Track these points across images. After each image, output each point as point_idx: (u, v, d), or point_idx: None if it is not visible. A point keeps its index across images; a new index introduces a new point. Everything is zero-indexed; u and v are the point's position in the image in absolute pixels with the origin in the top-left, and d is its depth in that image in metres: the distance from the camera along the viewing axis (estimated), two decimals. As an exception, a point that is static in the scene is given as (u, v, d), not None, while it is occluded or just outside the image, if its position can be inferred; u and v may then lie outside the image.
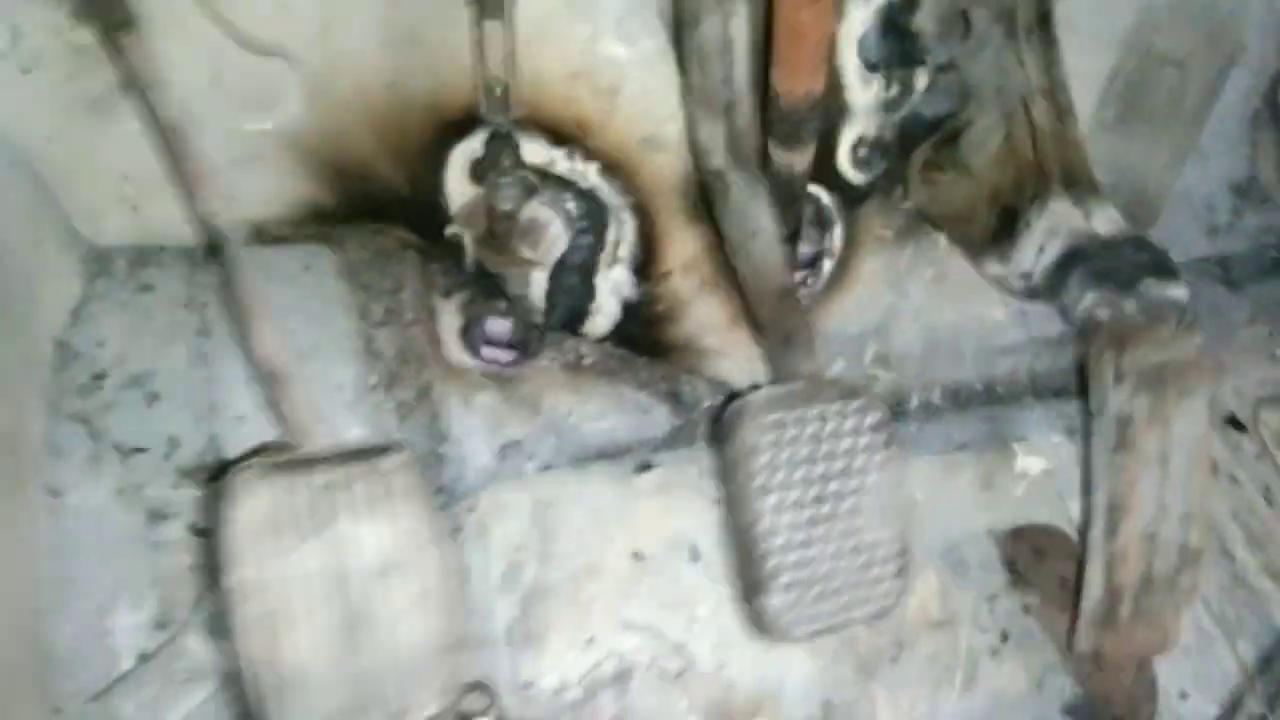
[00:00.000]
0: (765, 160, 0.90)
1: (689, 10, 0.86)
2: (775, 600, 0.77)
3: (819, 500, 0.77)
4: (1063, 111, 1.02)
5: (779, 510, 0.77)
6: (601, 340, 1.25)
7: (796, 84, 0.81)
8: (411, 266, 1.26)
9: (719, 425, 0.86)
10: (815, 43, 0.77)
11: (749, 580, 0.80)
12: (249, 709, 0.63)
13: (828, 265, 1.20)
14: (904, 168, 1.17)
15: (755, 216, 0.86)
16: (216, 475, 1.10)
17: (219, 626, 0.91)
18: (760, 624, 0.80)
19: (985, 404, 1.35)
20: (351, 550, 0.61)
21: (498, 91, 1.01)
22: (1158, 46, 1.27)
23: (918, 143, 1.14)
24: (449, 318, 1.26)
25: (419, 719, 0.61)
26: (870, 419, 0.80)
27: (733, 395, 1.23)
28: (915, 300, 1.27)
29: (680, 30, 0.91)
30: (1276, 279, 1.58)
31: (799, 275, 1.20)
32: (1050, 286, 0.93)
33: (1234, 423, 1.44)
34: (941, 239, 1.24)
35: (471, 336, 1.22)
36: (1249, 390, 1.47)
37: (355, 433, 1.11)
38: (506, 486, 1.13)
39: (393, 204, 1.21)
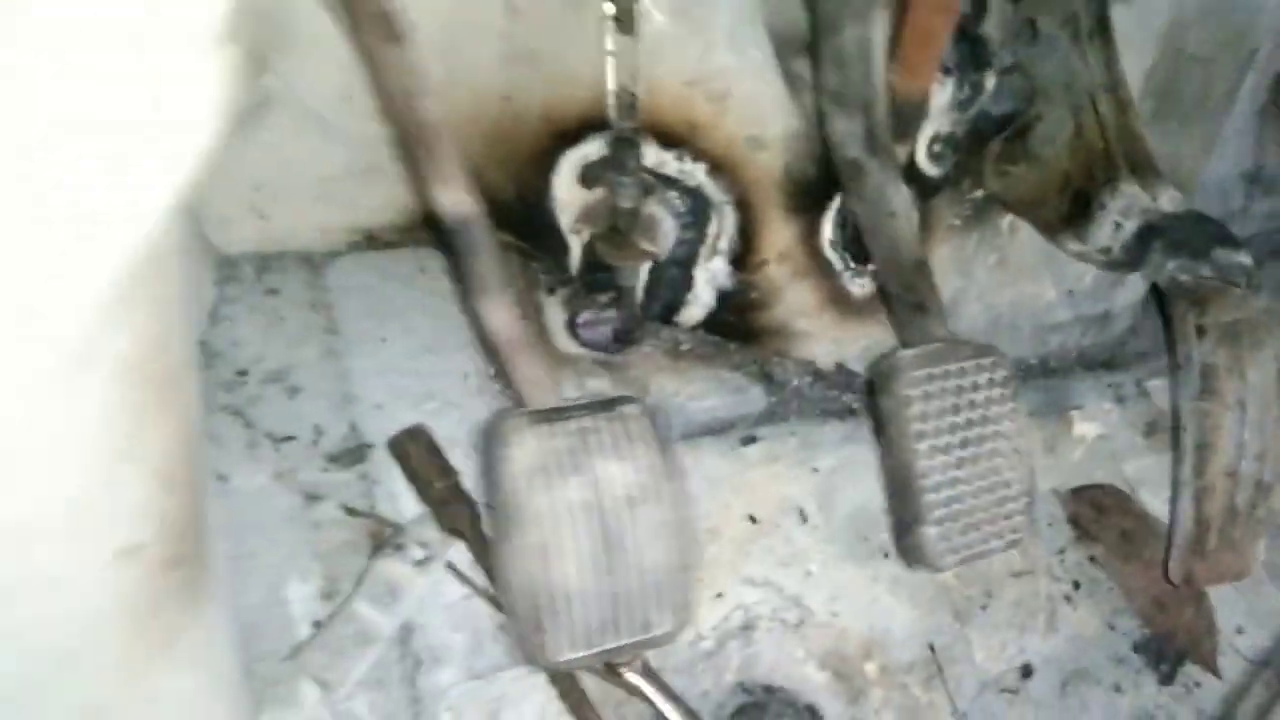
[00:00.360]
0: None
1: (827, 18, 0.98)
2: (931, 531, 0.88)
3: (963, 444, 0.88)
4: (1124, 104, 1.15)
5: (931, 454, 0.88)
6: (695, 328, 1.36)
7: (918, 83, 0.93)
8: (516, 266, 1.37)
9: (871, 382, 0.97)
10: (939, 45, 0.89)
11: (905, 516, 0.91)
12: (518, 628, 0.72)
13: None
14: (973, 161, 1.29)
15: (892, 198, 0.97)
16: (359, 458, 1.20)
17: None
18: (916, 556, 0.91)
19: (1041, 376, 1.48)
20: (605, 485, 0.71)
21: (626, 101, 1.12)
22: (1187, 47, 1.40)
23: (985, 138, 1.27)
24: (554, 311, 1.36)
25: (658, 633, 0.70)
26: (999, 373, 0.92)
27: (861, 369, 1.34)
28: (980, 282, 1.40)
29: (816, 37, 1.02)
30: (1283, 262, 1.73)
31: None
32: (1131, 259, 1.06)
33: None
34: (1004, 225, 1.36)
35: (577, 327, 1.33)
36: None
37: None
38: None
39: (498, 208, 1.31)
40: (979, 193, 1.32)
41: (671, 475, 0.75)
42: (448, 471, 1.13)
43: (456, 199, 0.79)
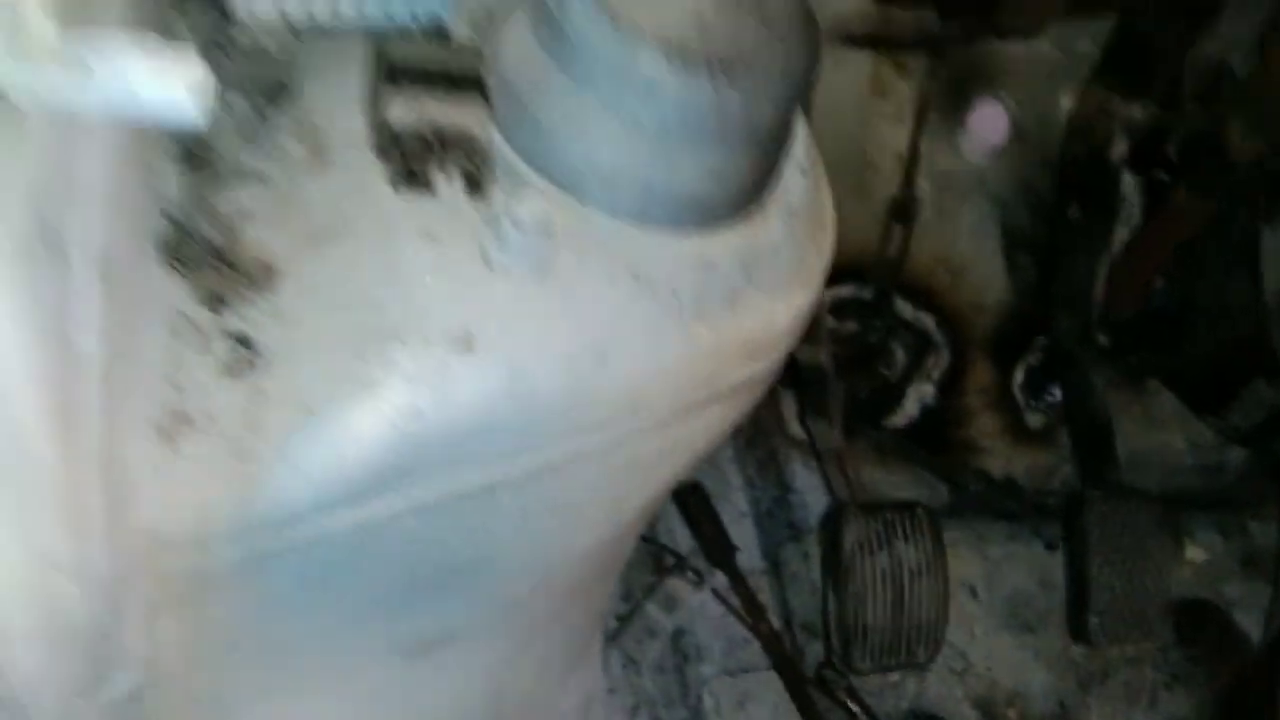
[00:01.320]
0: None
1: (1067, 243, 1.38)
2: (1094, 620, 1.27)
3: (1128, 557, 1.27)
4: (1263, 320, 1.52)
5: (1101, 566, 1.26)
6: (898, 431, 1.76)
7: (1129, 306, 1.32)
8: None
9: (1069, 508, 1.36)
10: (1149, 283, 1.28)
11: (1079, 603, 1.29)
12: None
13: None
14: (1134, 344, 1.67)
15: (1093, 379, 1.37)
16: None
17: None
18: (1082, 634, 1.30)
19: (1162, 504, 1.84)
20: (900, 559, 1.11)
21: (892, 268, 1.53)
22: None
23: (1146, 326, 1.64)
24: (789, 402, 1.77)
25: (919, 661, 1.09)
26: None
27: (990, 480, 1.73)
28: (1124, 429, 1.77)
29: (1054, 253, 1.42)
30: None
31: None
32: (1256, 439, 1.43)
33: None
34: (1150, 385, 1.74)
35: (806, 419, 1.74)
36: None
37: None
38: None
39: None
40: (1133, 359, 1.70)
41: (941, 558, 1.15)
42: (716, 519, 1.54)
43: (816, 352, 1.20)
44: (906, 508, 1.17)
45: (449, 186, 0.68)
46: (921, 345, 1.64)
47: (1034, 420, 1.70)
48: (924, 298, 1.60)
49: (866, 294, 1.60)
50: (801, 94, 0.73)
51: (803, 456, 1.71)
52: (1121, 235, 1.50)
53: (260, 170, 0.72)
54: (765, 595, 1.55)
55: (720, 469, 1.66)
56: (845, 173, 1.59)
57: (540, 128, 0.70)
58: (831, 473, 1.28)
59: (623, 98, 0.67)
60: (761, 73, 0.68)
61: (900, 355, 1.63)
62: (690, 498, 1.55)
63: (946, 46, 1.22)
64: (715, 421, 0.81)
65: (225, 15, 0.72)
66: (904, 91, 1.46)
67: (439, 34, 0.73)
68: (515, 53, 0.71)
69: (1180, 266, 1.58)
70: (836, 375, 1.68)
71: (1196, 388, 1.55)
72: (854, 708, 1.44)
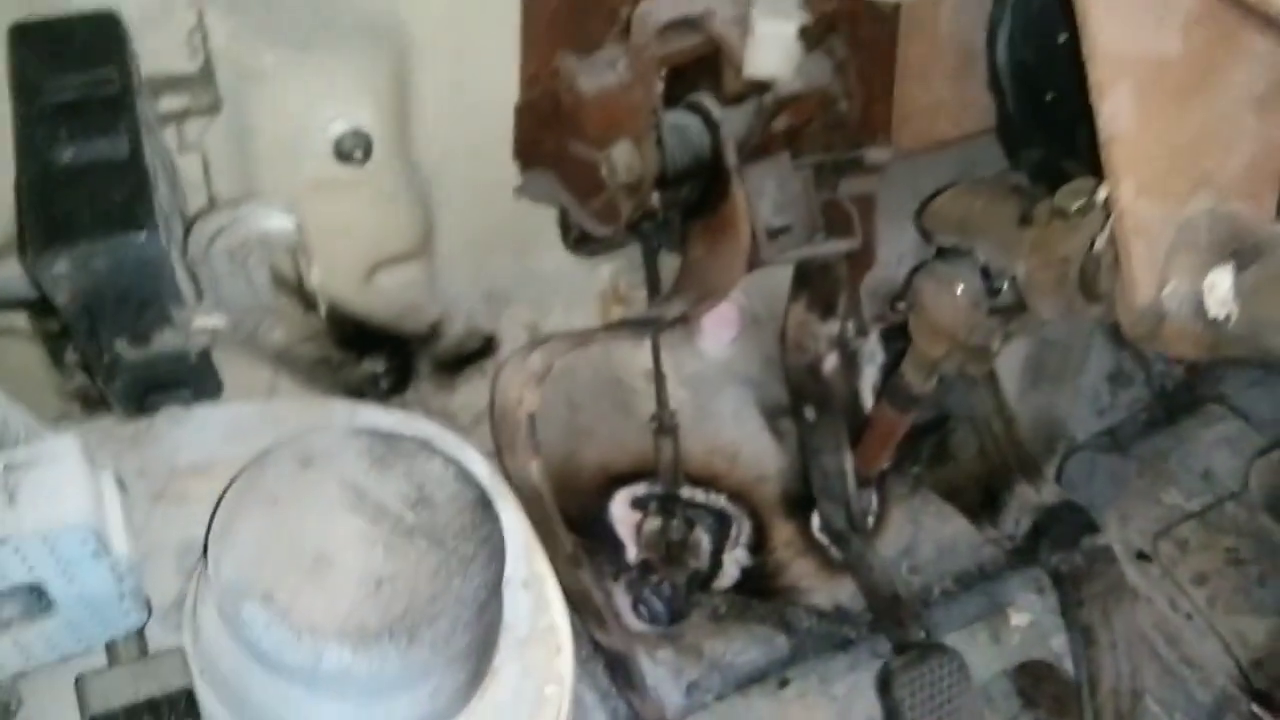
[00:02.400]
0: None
1: (812, 449, 1.48)
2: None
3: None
4: (1010, 423, 1.66)
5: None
6: (726, 592, 1.84)
7: (873, 469, 1.43)
8: (587, 564, 1.84)
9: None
10: (888, 450, 1.39)
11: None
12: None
13: (871, 521, 1.82)
14: (909, 454, 1.80)
15: (860, 547, 1.47)
16: None
17: None
18: None
19: (980, 581, 1.98)
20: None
21: (669, 474, 1.61)
22: (1047, 336, 1.94)
23: (918, 440, 1.77)
24: (620, 596, 1.84)
25: None
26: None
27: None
28: (925, 525, 1.90)
29: (806, 455, 1.53)
30: (1147, 439, 2.26)
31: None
32: (1027, 549, 1.57)
33: (1142, 555, 2.10)
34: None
35: (639, 608, 1.81)
36: (1148, 528, 2.13)
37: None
38: (697, 717, 1.71)
39: (568, 521, 1.79)
40: (916, 470, 1.83)
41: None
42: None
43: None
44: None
45: (181, 809, 0.71)
46: (722, 521, 1.73)
47: (838, 554, 1.81)
48: (710, 483, 1.69)
49: (658, 489, 1.68)
50: (495, 596, 0.78)
51: (650, 650, 1.78)
52: (868, 376, 1.62)
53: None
54: (643, 811, 1.61)
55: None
56: (607, 397, 1.67)
57: (256, 709, 0.74)
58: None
59: (319, 684, 0.71)
60: (445, 615, 0.73)
61: (704, 539, 1.72)
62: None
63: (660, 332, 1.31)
64: None
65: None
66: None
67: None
68: (214, 645, 0.75)
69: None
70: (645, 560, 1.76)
71: (968, 497, 1.68)
72: None
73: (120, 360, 0.87)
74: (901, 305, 1.19)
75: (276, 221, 0.78)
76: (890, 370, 1.26)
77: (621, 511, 1.75)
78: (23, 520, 0.67)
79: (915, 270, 1.07)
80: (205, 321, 0.85)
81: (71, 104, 0.84)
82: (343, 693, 0.72)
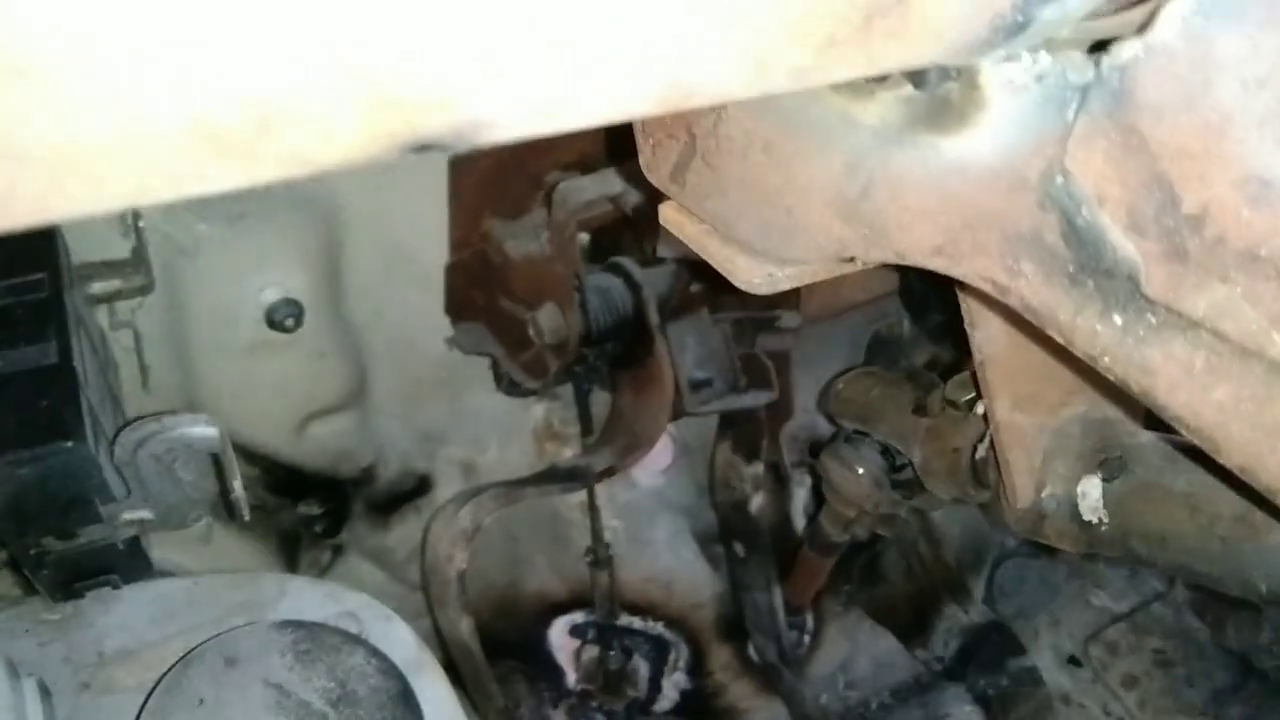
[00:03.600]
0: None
1: (744, 584, 1.52)
2: None
3: None
4: (937, 545, 1.71)
5: None
6: (666, 714, 1.85)
7: (802, 602, 1.46)
8: (524, 686, 1.84)
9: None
10: (816, 585, 1.43)
11: None
12: None
13: (807, 639, 1.85)
14: (846, 573, 1.83)
15: (794, 685, 1.50)
16: None
17: None
18: None
19: (916, 693, 2.01)
20: None
21: (606, 605, 1.63)
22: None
23: (850, 560, 1.81)
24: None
25: None
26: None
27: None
28: (860, 641, 1.93)
29: (738, 591, 1.56)
30: (1077, 542, 2.32)
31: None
32: (957, 670, 1.60)
33: (1073, 660, 2.14)
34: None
35: (579, 732, 1.81)
36: (1078, 632, 2.18)
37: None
38: (641, 843, 1.71)
39: (508, 647, 1.80)
40: (848, 588, 1.86)
41: None
42: None
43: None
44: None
45: None
46: (660, 647, 1.75)
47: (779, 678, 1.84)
48: (647, 610, 1.71)
49: (596, 619, 1.70)
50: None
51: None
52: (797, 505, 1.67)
53: None
54: None
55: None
56: (543, 529, 1.69)
57: None
58: None
59: None
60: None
61: (643, 667, 1.73)
62: None
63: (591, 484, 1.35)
64: None
65: None
66: (570, 454, 1.58)
67: None
68: None
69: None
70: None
71: (899, 618, 1.72)
72: None
73: (46, 555, 0.88)
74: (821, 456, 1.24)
75: (200, 431, 0.81)
76: (819, 503, 1.30)
77: (560, 639, 1.76)
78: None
79: (820, 450, 1.12)
80: (133, 515, 0.87)
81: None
82: None
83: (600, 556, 1.57)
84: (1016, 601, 1.98)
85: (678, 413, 1.25)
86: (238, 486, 0.85)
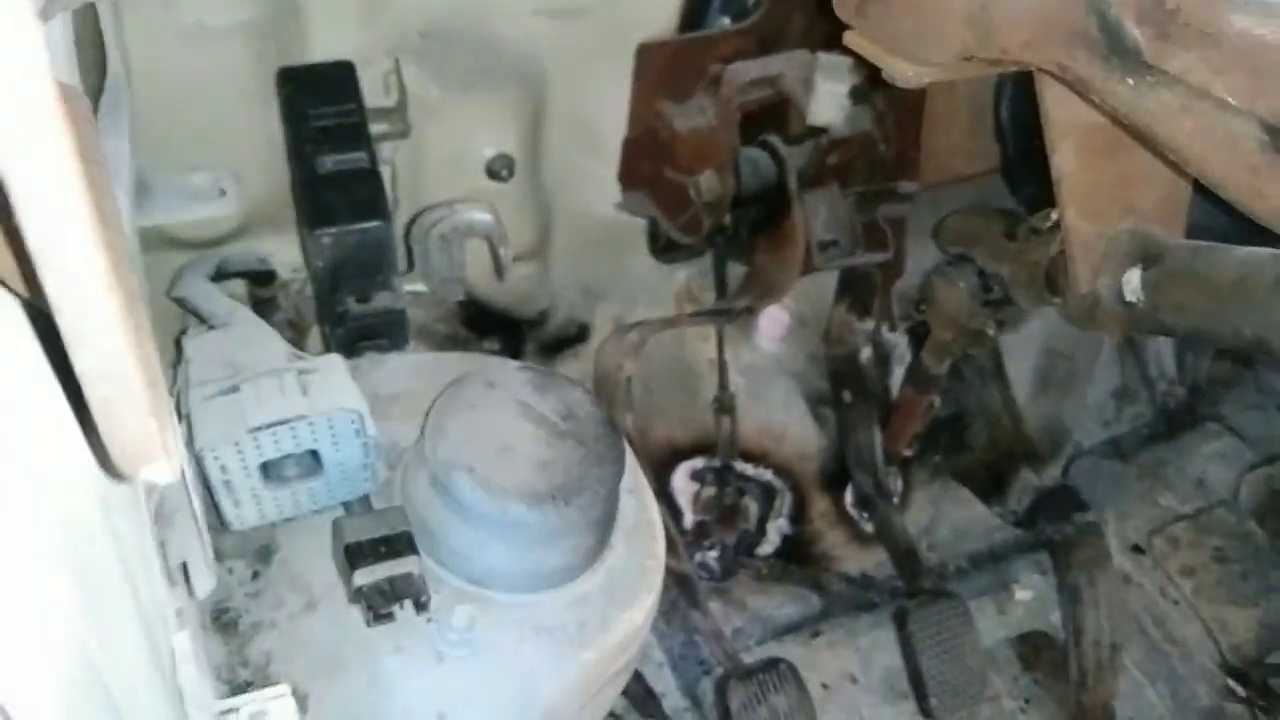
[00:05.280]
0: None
1: (847, 425, 1.80)
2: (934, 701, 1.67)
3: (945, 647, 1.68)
4: (1017, 419, 1.96)
5: (929, 657, 1.67)
6: (768, 557, 2.15)
7: (900, 447, 1.74)
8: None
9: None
10: (913, 430, 1.70)
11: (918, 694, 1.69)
12: None
13: (895, 500, 2.12)
14: (930, 445, 2.10)
15: (891, 515, 1.78)
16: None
17: None
18: (929, 714, 1.69)
19: (990, 561, 2.27)
20: (776, 708, 1.49)
21: (726, 448, 1.92)
22: (1056, 348, 2.23)
23: (938, 433, 2.08)
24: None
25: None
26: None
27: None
28: (944, 510, 2.20)
29: (842, 432, 1.84)
30: (1148, 449, 2.53)
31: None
32: (1028, 520, 1.86)
33: (1136, 548, 2.38)
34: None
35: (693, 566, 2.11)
36: (1143, 526, 2.41)
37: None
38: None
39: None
40: (936, 459, 2.13)
41: (805, 700, 1.53)
42: (638, 676, 1.90)
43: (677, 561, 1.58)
44: (772, 665, 1.55)
45: (404, 613, 1.03)
46: (768, 492, 2.04)
47: (870, 528, 2.11)
48: (760, 458, 2.00)
49: (715, 463, 2.00)
50: (618, 484, 1.10)
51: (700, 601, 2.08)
52: (896, 374, 1.93)
53: (270, 619, 1.07)
54: (692, 730, 1.91)
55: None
56: (676, 381, 1.99)
57: (452, 550, 1.07)
58: (712, 650, 1.66)
59: (501, 531, 1.04)
60: (589, 489, 1.05)
61: (752, 506, 2.03)
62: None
63: (730, 320, 1.64)
64: (610, 694, 1.18)
65: (221, 523, 1.06)
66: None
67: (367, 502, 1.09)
68: (423, 504, 1.07)
69: (951, 381, 2.02)
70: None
71: (979, 480, 1.98)
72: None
73: (348, 313, 1.20)
74: (924, 306, 1.50)
75: (480, 215, 1.11)
76: (919, 347, 1.56)
77: (682, 483, 2.07)
78: (314, 404, 1.00)
79: (930, 272, 1.39)
80: (413, 287, 1.18)
81: (327, 128, 1.18)
82: (517, 539, 1.04)
83: (725, 403, 1.85)
84: (1087, 495, 2.22)
85: (806, 269, 1.52)
86: (504, 254, 1.15)
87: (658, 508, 1.24)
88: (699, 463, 2.03)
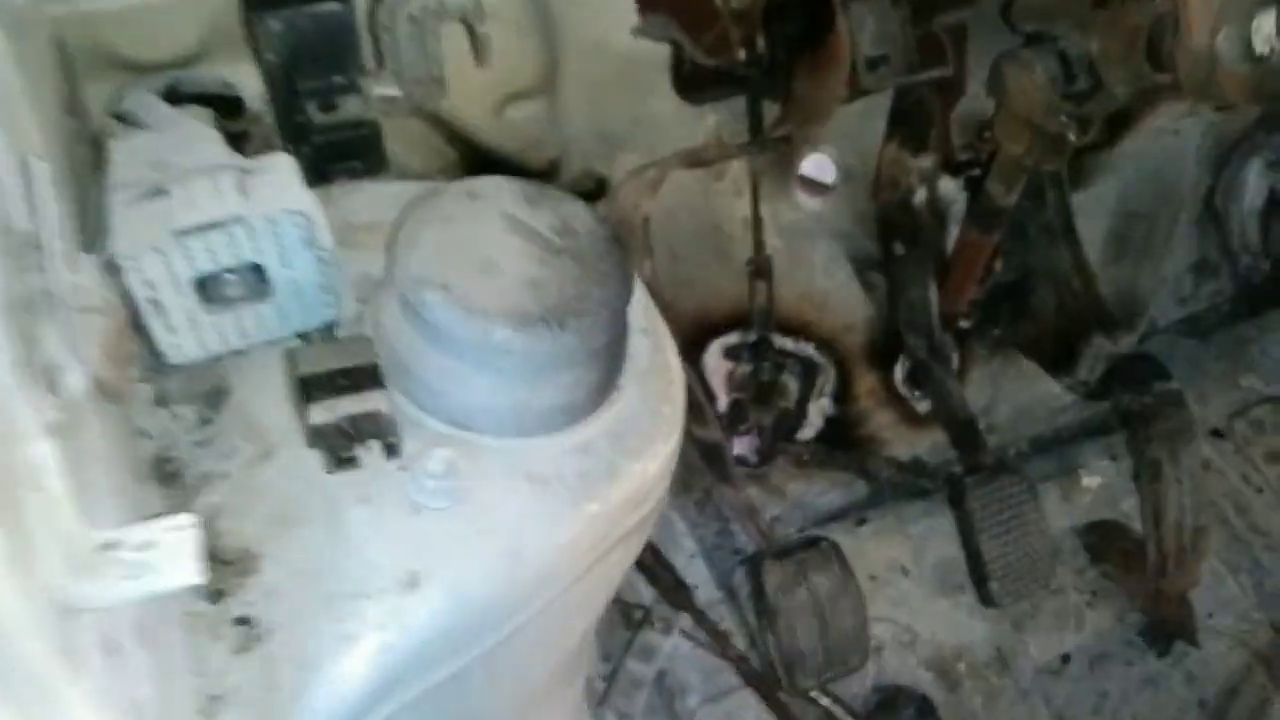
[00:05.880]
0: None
1: (899, 282, 1.60)
2: (995, 585, 1.49)
3: (1009, 529, 1.50)
4: (1089, 280, 1.75)
5: (990, 540, 1.49)
6: (809, 441, 1.97)
7: (959, 305, 1.54)
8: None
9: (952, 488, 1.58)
10: (971, 285, 1.50)
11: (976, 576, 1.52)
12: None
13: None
14: (991, 315, 1.89)
15: (947, 382, 1.58)
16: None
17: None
18: (988, 600, 1.52)
19: (1054, 445, 2.08)
20: (817, 588, 1.33)
21: (762, 317, 1.73)
22: (1132, 209, 2.01)
23: (999, 299, 1.87)
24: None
25: (854, 667, 1.32)
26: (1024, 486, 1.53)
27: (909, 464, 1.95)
28: (1004, 389, 2.00)
29: (893, 289, 1.64)
30: (1228, 328, 2.31)
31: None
32: (1101, 391, 1.66)
33: (1216, 433, 2.17)
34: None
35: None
36: (1224, 409, 2.20)
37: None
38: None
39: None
40: (996, 332, 1.92)
41: (850, 578, 1.36)
42: (669, 567, 1.75)
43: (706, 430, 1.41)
44: (813, 543, 1.38)
45: (371, 457, 0.87)
46: (809, 369, 1.85)
47: (923, 407, 1.92)
48: (800, 330, 1.81)
49: (750, 337, 1.81)
50: (624, 310, 0.93)
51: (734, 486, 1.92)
52: (951, 235, 1.72)
53: (220, 470, 0.91)
54: (727, 621, 1.76)
55: (665, 518, 1.87)
56: (706, 245, 1.80)
57: (427, 386, 0.90)
58: (745, 527, 1.49)
59: (484, 360, 0.86)
60: (588, 313, 0.88)
61: (792, 384, 1.84)
62: (644, 554, 1.75)
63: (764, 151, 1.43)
64: (622, 558, 1.01)
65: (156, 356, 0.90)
66: (737, 169, 1.66)
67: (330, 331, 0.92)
68: (394, 333, 0.90)
69: (1013, 242, 1.81)
70: (740, 417, 1.89)
71: (1046, 350, 1.78)
72: (825, 703, 1.66)
73: (311, 123, 1.02)
74: (988, 133, 1.29)
75: (454, -13, 0.92)
76: (982, 177, 1.36)
77: (715, 362, 1.89)
78: (253, 205, 0.83)
79: (1000, 58, 1.17)
80: (384, 90, 1.00)
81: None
82: (502, 368, 0.87)
83: (761, 268, 1.66)
84: (1162, 376, 2.01)
85: (853, 91, 1.32)
86: (484, 33, 0.96)
87: (674, 350, 1.06)
88: (733, 338, 1.85)
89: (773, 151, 1.43)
